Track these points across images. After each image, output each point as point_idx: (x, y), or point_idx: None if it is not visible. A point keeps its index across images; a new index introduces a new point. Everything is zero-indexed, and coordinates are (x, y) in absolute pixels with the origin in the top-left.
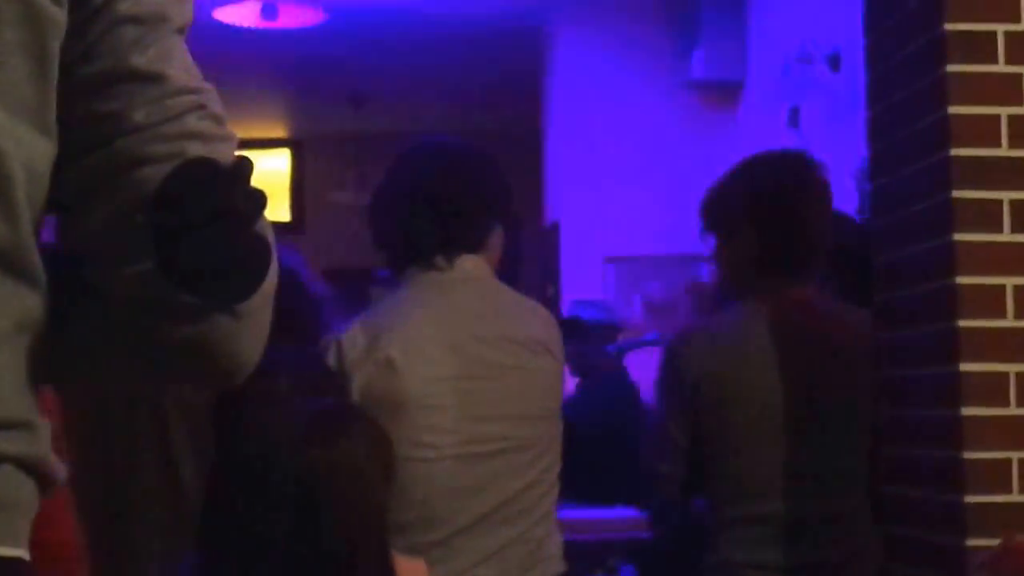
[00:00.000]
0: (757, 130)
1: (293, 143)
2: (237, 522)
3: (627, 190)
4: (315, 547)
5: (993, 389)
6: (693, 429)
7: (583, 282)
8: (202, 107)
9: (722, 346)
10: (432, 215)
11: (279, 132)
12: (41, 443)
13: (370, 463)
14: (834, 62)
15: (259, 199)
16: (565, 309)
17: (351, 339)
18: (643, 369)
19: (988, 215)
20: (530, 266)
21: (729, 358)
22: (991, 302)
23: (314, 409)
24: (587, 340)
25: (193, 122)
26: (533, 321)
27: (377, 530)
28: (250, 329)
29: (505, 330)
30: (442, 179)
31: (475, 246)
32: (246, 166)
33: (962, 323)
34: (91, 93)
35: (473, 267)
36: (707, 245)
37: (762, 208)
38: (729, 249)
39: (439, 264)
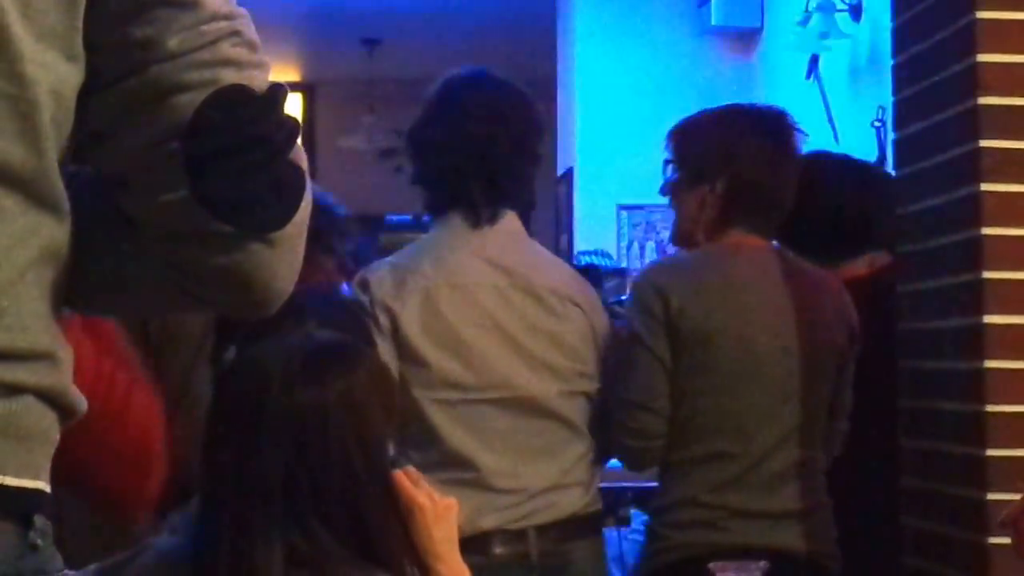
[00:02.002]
0: (776, 79)
1: (305, 87)
2: (232, 464)
3: (642, 138)
4: (311, 489)
5: (1017, 341)
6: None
7: (596, 230)
8: (236, 33)
9: (704, 281)
10: (484, 169)
11: (291, 76)
12: (64, 374)
13: (368, 400)
14: (855, 10)
15: (293, 127)
16: (574, 259)
17: (379, 279)
18: None
19: (1015, 165)
20: (543, 214)
21: (717, 292)
22: (1017, 253)
23: (309, 345)
24: (601, 288)
25: (227, 48)
26: (564, 278)
27: (378, 469)
28: (284, 258)
29: (537, 283)
30: (495, 133)
31: (520, 204)
32: (280, 93)
33: (987, 274)
34: (125, 19)
35: (511, 224)
36: (668, 177)
37: (738, 164)
38: (694, 193)
39: (484, 217)
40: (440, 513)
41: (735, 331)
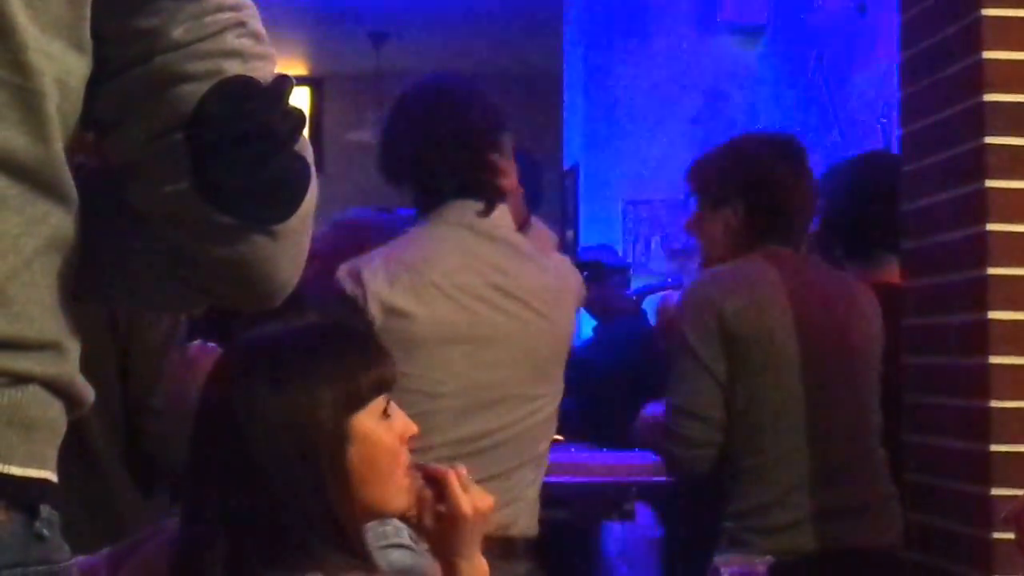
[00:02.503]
0: (781, 74)
1: (313, 81)
2: (211, 457)
3: (648, 134)
4: (266, 485)
5: (1022, 337)
6: (729, 370)
7: (602, 225)
8: (241, 24)
9: (754, 283)
10: (473, 159)
11: (299, 70)
12: (70, 364)
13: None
14: (861, 6)
15: (298, 119)
16: (580, 254)
17: (372, 272)
18: None
19: (1021, 161)
20: (549, 209)
21: (764, 294)
22: (1022, 250)
23: (254, 342)
24: (606, 283)
25: (232, 39)
26: (553, 272)
27: (324, 481)
28: (288, 250)
29: (524, 282)
30: (484, 121)
31: (505, 193)
32: (285, 85)
33: (992, 271)
34: (131, 9)
35: (501, 217)
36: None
37: (753, 191)
38: (717, 216)
39: (476, 209)
40: (478, 520)
41: (792, 328)
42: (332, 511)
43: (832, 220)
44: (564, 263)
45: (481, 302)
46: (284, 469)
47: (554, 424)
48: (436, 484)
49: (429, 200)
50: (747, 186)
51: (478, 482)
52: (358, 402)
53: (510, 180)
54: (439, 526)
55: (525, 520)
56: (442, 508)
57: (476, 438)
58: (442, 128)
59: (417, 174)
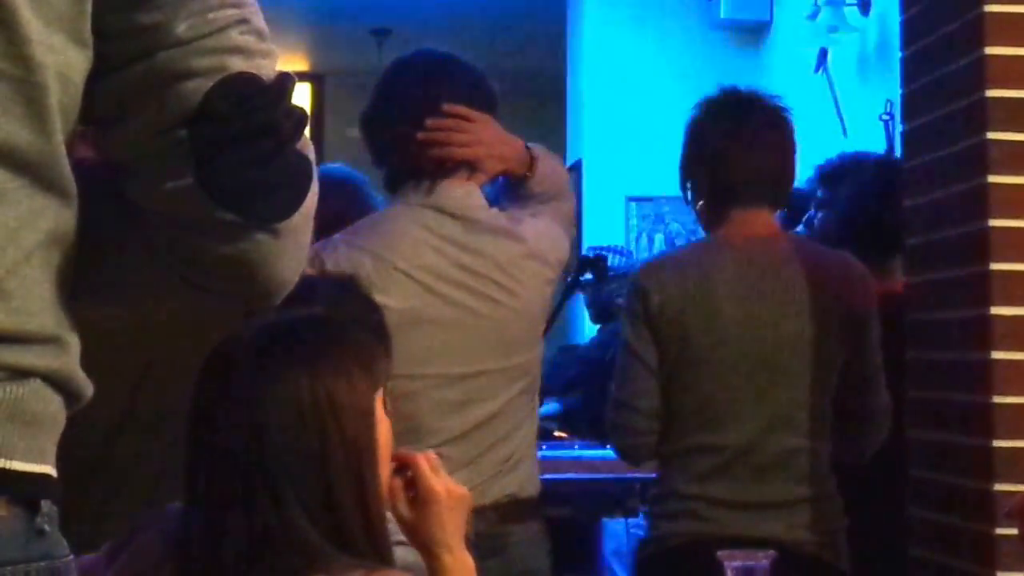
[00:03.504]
0: (784, 72)
1: (315, 77)
2: (208, 442)
3: (650, 131)
4: (285, 470)
5: None
6: (658, 356)
7: (605, 222)
8: (245, 21)
9: (687, 275)
10: (405, 133)
11: (301, 66)
12: (70, 358)
13: (345, 382)
14: (864, 4)
15: (300, 117)
16: (583, 252)
17: (335, 261)
18: None
19: (1022, 157)
20: None
21: (694, 287)
22: None
23: (255, 330)
24: (603, 288)
25: (235, 36)
26: (530, 241)
27: (353, 453)
28: (289, 248)
29: (491, 259)
30: (445, 88)
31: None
32: (288, 83)
33: (994, 266)
34: (133, 4)
35: (466, 195)
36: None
37: (703, 150)
38: (692, 189)
39: (428, 187)
40: (453, 504)
41: (711, 325)
42: (364, 495)
43: (850, 219)
44: (541, 227)
45: (448, 283)
46: (321, 454)
47: (538, 381)
48: (405, 470)
49: (389, 182)
50: (698, 148)
51: (479, 457)
52: (377, 387)
53: (471, 148)
54: (414, 514)
55: (531, 481)
56: (412, 494)
57: (464, 415)
58: (377, 108)
59: (375, 156)
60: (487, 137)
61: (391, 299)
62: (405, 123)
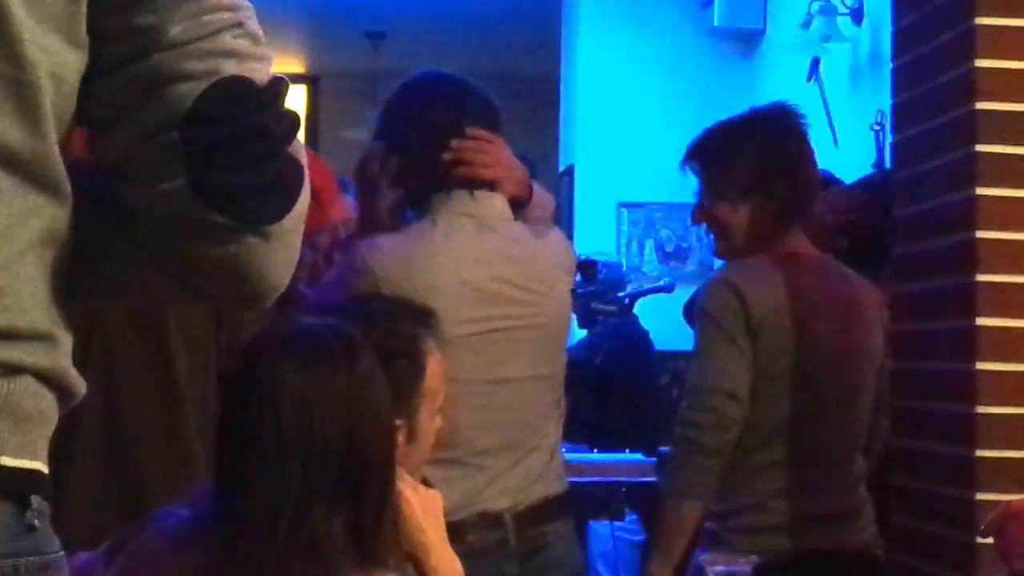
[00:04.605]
0: (776, 80)
1: (309, 79)
2: (243, 448)
3: (643, 137)
4: (322, 480)
5: (1010, 344)
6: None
7: (596, 227)
8: (239, 25)
9: (780, 286)
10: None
11: (295, 68)
12: (63, 356)
13: (372, 391)
14: (856, 14)
15: (292, 120)
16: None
17: (383, 268)
18: (655, 315)
19: (1012, 170)
20: None
21: (784, 298)
22: (1012, 257)
23: (297, 331)
24: (598, 286)
25: (229, 39)
26: (551, 250)
27: (380, 462)
28: (280, 252)
29: (528, 268)
30: (468, 112)
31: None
32: (281, 86)
33: (981, 277)
34: (128, 6)
35: (500, 205)
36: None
37: (777, 171)
38: (747, 202)
39: (467, 198)
40: (427, 506)
41: (797, 338)
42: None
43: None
44: (557, 239)
45: (490, 295)
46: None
47: (563, 389)
48: None
49: (414, 197)
50: (783, 162)
51: (515, 465)
52: (398, 404)
53: (493, 169)
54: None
55: (560, 480)
56: None
57: (495, 420)
58: (400, 131)
59: (405, 170)
60: (504, 160)
61: (441, 307)
62: (432, 146)
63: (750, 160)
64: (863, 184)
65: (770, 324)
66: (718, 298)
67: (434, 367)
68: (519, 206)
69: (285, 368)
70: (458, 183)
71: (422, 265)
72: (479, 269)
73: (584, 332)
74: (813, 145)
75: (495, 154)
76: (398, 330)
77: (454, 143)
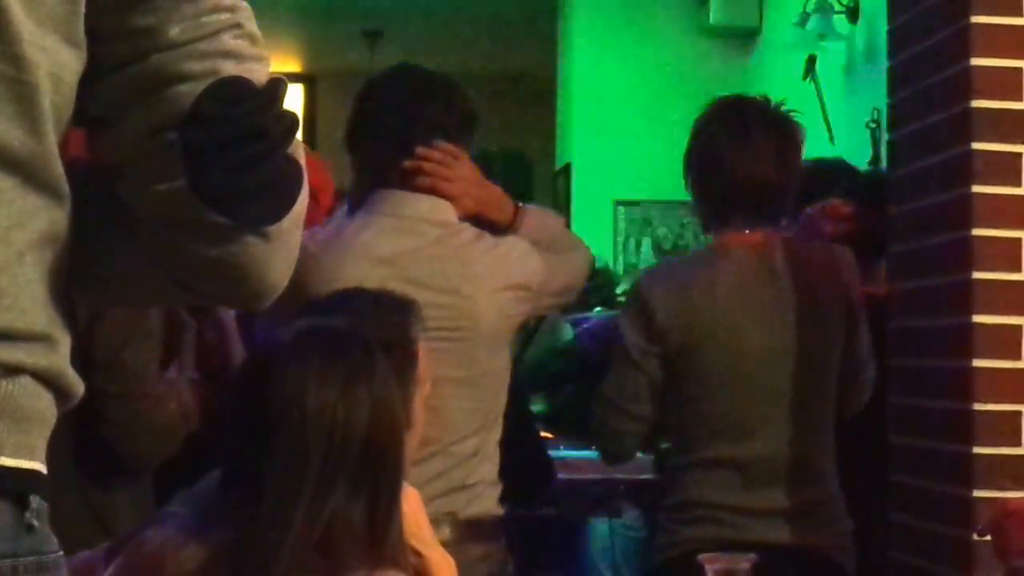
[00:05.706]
0: (773, 78)
1: (307, 78)
2: (257, 445)
3: (639, 135)
4: (333, 477)
5: (1006, 341)
6: (662, 368)
7: (593, 225)
8: (238, 26)
9: (692, 287)
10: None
11: (293, 67)
12: (61, 356)
13: (387, 392)
14: (852, 12)
15: (291, 121)
16: None
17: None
18: None
19: (1006, 168)
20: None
21: (699, 299)
22: (1007, 255)
23: (311, 331)
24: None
25: (228, 40)
26: (498, 261)
27: (392, 462)
28: (279, 252)
29: (446, 272)
30: (425, 115)
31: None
32: (280, 87)
33: (977, 275)
34: (127, 7)
35: (427, 206)
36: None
37: (695, 162)
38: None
39: (393, 197)
40: (417, 502)
41: (721, 339)
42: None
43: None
44: (517, 253)
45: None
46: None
47: (496, 399)
48: None
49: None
50: (698, 158)
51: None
52: (406, 398)
53: (453, 184)
54: None
55: (475, 504)
56: None
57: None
58: (359, 128)
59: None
60: (464, 175)
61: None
62: (391, 148)
63: (687, 158)
64: (860, 190)
65: (678, 334)
66: (625, 308)
67: (423, 354)
68: (498, 230)
69: (306, 369)
70: (403, 186)
71: (327, 261)
72: (382, 269)
73: (576, 331)
74: (762, 137)
75: (457, 169)
76: (389, 321)
77: (418, 150)
